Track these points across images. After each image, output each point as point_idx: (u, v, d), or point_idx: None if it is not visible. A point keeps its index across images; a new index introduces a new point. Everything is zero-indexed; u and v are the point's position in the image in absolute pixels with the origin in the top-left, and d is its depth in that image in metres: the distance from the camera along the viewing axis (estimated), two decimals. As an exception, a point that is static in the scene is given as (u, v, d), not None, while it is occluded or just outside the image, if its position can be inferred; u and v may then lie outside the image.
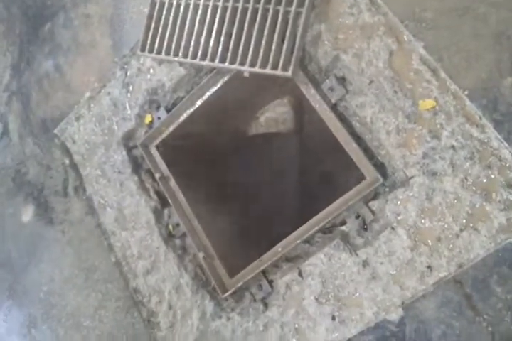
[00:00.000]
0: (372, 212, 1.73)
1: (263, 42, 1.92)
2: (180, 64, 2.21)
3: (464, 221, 1.54)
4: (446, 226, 1.57)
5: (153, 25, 2.19)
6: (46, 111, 2.77)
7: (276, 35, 1.90)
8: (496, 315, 1.52)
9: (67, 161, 2.63)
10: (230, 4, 2.01)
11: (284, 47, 1.88)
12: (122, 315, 2.36)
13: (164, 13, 2.17)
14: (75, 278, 2.55)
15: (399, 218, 1.66)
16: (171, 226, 2.25)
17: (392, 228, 1.67)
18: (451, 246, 1.56)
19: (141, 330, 2.26)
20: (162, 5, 2.19)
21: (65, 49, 2.70)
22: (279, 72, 1.89)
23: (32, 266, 2.77)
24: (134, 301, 2.30)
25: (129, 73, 2.40)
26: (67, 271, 2.59)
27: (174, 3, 2.15)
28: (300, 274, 1.86)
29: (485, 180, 1.54)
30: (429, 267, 1.59)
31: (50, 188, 2.72)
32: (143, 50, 2.22)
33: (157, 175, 2.28)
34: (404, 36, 1.69)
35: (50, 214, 2.71)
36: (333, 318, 1.76)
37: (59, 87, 2.72)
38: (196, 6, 2.09)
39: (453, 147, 1.58)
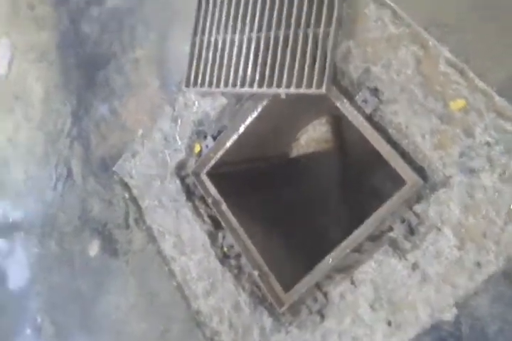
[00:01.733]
0: (417, 216, 1.74)
1: (296, 64, 2.03)
2: (222, 94, 2.35)
3: (508, 214, 1.54)
4: (490, 221, 1.57)
5: (194, 62, 2.36)
6: (104, 150, 2.98)
7: (308, 56, 2.01)
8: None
9: (126, 195, 2.80)
10: (262, 34, 2.16)
11: (316, 66, 1.99)
12: (187, 337, 2.42)
13: (204, 50, 2.34)
14: (140, 305, 2.66)
15: (443, 218, 1.67)
16: (225, 248, 2.34)
17: (438, 228, 1.68)
18: (497, 240, 1.55)
19: (206, 350, 2.32)
20: (201, 43, 2.36)
21: (119, 92, 2.91)
22: (313, 90, 1.99)
23: (100, 298, 2.90)
24: (196, 322, 2.37)
25: (176, 108, 2.57)
26: (132, 299, 2.71)
27: (212, 40, 2.31)
28: (352, 283, 1.88)
29: (524, 173, 1.54)
30: (478, 264, 1.58)
31: (113, 222, 2.89)
32: (187, 85, 2.39)
33: (209, 200, 2.39)
34: (429, 42, 1.74)
35: (115, 246, 2.86)
36: (389, 323, 1.76)
37: (115, 128, 2.93)
38: (232, 41, 2.25)
39: (488, 143, 1.60)
